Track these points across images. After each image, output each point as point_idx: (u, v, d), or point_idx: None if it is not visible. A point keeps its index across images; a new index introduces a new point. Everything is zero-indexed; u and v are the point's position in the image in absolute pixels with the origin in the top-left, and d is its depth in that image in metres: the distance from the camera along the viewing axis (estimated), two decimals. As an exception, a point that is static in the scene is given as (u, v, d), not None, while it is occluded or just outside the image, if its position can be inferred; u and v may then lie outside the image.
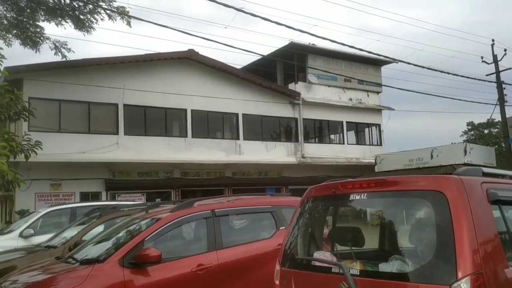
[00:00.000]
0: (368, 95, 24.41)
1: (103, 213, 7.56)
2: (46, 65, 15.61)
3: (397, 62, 19.16)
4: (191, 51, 18.68)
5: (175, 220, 4.93)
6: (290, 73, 22.48)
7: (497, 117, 24.67)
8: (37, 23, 14.54)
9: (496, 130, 38.36)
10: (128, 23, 14.42)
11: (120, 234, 5.13)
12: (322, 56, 22.65)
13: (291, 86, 22.24)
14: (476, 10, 78.47)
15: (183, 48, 18.92)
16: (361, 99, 24.11)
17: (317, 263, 3.30)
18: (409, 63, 16.64)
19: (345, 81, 22.90)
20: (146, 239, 4.63)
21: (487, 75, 20.66)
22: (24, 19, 14.16)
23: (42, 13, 14.46)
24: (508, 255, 2.87)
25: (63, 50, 14.96)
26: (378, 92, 24.89)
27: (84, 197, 16.45)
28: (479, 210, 2.78)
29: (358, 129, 24.78)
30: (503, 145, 24.64)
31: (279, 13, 49.34)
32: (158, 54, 18.26)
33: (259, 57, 19.23)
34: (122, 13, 14.23)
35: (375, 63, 23.96)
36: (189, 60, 18.99)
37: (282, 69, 23.25)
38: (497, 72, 20.26)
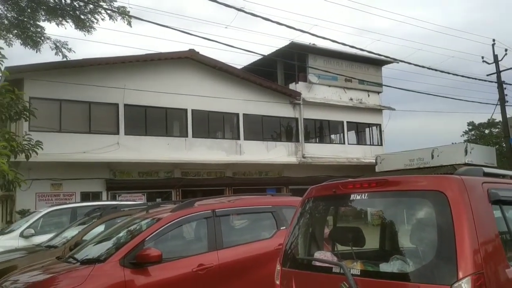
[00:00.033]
0: (368, 95, 24.40)
1: (104, 213, 7.56)
2: (46, 65, 15.61)
3: (397, 62, 19.16)
4: (191, 51, 18.66)
5: (176, 220, 4.93)
6: (290, 73, 22.46)
7: (498, 117, 24.70)
8: (38, 23, 14.57)
9: (496, 130, 38.37)
10: (129, 23, 14.41)
11: (121, 234, 5.14)
12: (323, 56, 22.64)
13: (292, 86, 22.22)
14: (476, 10, 78.46)
15: (184, 48, 18.89)
16: (361, 99, 24.09)
17: (317, 263, 3.30)
18: (409, 63, 16.65)
19: (346, 81, 22.88)
20: (147, 239, 4.63)
21: (487, 75, 20.70)
22: (25, 19, 14.18)
23: (43, 13, 14.47)
24: (509, 255, 2.86)
25: (63, 50, 15.03)
26: (378, 92, 24.87)
27: (85, 197, 16.45)
28: (480, 210, 2.78)
29: (359, 129, 24.76)
30: (504, 145, 24.63)
31: (280, 13, 49.51)
32: (159, 54, 18.24)
33: (260, 57, 19.25)
34: (123, 13, 14.21)
35: (376, 63, 23.93)
36: (190, 60, 18.98)
37: (282, 69, 23.25)
38: (498, 72, 20.26)
